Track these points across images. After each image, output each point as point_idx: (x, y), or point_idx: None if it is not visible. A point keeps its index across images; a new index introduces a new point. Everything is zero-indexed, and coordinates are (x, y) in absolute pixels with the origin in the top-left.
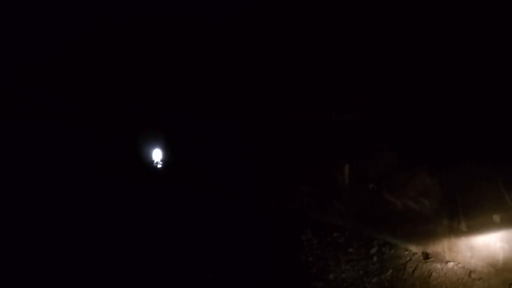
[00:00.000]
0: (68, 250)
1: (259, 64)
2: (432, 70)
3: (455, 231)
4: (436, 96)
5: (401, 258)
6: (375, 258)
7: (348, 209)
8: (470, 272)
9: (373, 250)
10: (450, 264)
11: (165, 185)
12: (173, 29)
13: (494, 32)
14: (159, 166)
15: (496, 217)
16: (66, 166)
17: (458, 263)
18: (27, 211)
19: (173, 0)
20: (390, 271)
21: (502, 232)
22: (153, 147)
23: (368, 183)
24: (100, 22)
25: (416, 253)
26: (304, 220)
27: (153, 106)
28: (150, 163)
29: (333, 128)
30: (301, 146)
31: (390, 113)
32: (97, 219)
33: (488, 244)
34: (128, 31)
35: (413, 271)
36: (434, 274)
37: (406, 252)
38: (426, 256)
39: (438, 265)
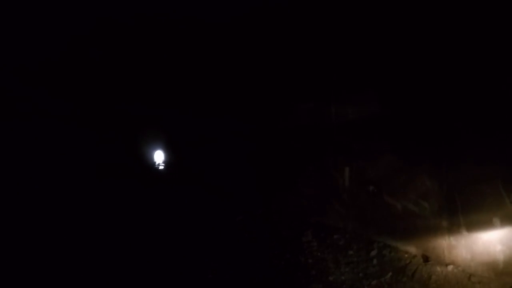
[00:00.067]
0: (69, 250)
1: (259, 64)
2: (432, 71)
3: (455, 234)
4: (436, 98)
5: (401, 261)
6: (375, 261)
7: (348, 211)
8: (470, 275)
9: (373, 253)
10: (450, 267)
11: (165, 186)
12: (173, 29)
13: (493, 32)
14: (159, 166)
15: (496, 220)
16: (66, 166)
17: (458, 266)
18: (27, 211)
19: (173, 0)
20: (390, 273)
21: (502, 234)
22: (153, 147)
23: (368, 185)
24: (100, 22)
25: (416, 255)
26: (305, 222)
27: (153, 106)
28: (150, 163)
29: (333, 130)
30: (302, 148)
31: (390, 115)
32: (97, 219)
33: (488, 247)
34: (128, 31)
35: (412, 274)
36: (433, 277)
37: (406, 255)
38: (426, 259)
39: (438, 268)
